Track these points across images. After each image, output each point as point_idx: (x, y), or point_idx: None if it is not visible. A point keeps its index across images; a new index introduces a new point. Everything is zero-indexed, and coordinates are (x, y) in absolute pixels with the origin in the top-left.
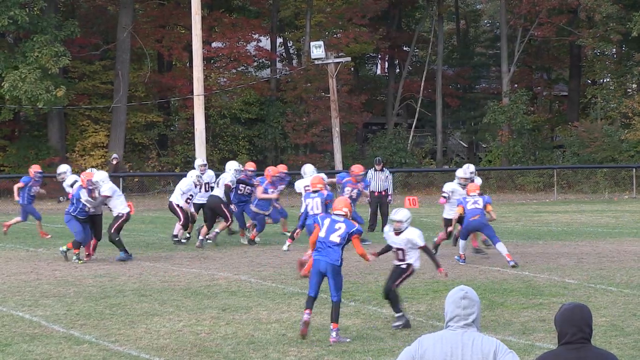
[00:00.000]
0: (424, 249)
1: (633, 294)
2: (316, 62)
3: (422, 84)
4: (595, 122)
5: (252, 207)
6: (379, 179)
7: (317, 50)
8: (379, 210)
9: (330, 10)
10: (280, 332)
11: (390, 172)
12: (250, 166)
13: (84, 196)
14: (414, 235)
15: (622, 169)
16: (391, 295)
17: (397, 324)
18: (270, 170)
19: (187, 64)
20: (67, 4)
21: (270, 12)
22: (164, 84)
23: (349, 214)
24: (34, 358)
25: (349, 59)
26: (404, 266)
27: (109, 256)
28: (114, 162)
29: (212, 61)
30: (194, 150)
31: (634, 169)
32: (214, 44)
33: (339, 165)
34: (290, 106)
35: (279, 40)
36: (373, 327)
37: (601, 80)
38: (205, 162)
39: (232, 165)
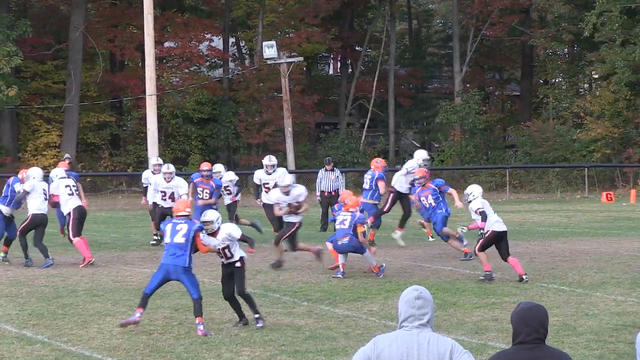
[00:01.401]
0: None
1: (585, 294)
2: (268, 62)
3: (375, 84)
4: (547, 121)
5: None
6: (330, 179)
7: (270, 50)
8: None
9: (283, 10)
10: (233, 332)
11: (341, 172)
12: (206, 166)
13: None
14: (231, 228)
15: (574, 169)
16: (246, 296)
17: (259, 324)
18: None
19: (140, 64)
20: (19, 3)
21: (222, 11)
22: (116, 83)
23: (191, 214)
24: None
25: (301, 58)
26: (238, 264)
27: (61, 256)
28: (67, 161)
29: (164, 61)
30: (147, 150)
31: (586, 169)
32: (166, 44)
33: (291, 165)
34: (243, 106)
35: (232, 40)
36: (326, 326)
37: (553, 80)
38: (160, 161)
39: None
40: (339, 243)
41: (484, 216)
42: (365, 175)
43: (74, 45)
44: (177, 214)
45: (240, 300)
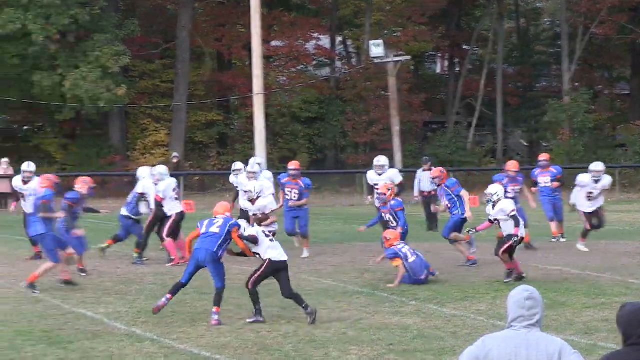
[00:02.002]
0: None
1: None
2: (375, 60)
3: (482, 83)
4: None
5: None
6: (427, 179)
7: (377, 49)
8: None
9: (390, 9)
10: (341, 331)
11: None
12: (293, 165)
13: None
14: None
15: None
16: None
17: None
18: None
19: (247, 63)
20: (128, 3)
21: (329, 10)
22: (223, 82)
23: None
24: (96, 355)
25: (408, 57)
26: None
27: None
28: (175, 160)
29: (271, 60)
30: (254, 149)
31: None
32: (273, 43)
33: (398, 165)
34: (350, 105)
35: (339, 38)
36: (433, 326)
37: None
38: (240, 166)
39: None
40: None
41: (517, 221)
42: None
43: (182, 45)
44: (215, 216)
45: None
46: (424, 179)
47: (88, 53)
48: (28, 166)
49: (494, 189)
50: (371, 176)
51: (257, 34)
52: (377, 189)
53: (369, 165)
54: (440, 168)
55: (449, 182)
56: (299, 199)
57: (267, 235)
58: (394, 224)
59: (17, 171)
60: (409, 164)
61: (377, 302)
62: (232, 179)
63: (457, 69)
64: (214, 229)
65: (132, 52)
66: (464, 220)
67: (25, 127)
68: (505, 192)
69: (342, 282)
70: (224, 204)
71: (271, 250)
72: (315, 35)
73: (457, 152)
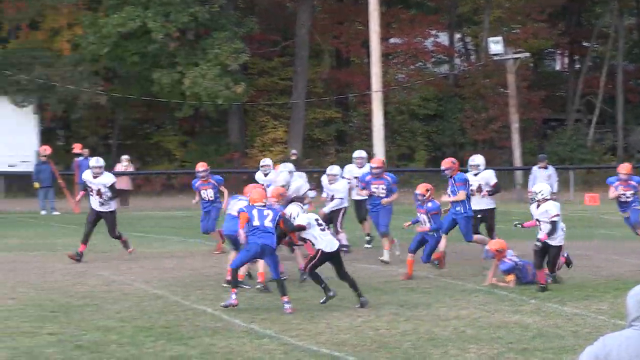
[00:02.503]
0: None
1: None
2: (494, 58)
3: (602, 80)
4: None
5: None
6: (542, 177)
7: (496, 46)
8: None
9: (509, 6)
10: (460, 329)
11: (555, 169)
12: (376, 163)
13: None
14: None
15: None
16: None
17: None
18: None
19: (365, 60)
20: (247, 0)
21: (448, 7)
22: (341, 80)
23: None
24: (215, 351)
25: (527, 54)
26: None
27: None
28: (293, 157)
29: (389, 57)
30: (372, 146)
31: None
32: (391, 40)
33: (517, 162)
34: (469, 102)
35: (457, 36)
36: (553, 324)
37: None
38: (267, 162)
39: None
40: None
41: (554, 228)
42: None
43: (300, 42)
44: (254, 204)
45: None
46: (540, 177)
47: (207, 51)
48: (97, 161)
49: (539, 188)
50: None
51: (376, 32)
52: (417, 191)
53: (488, 163)
54: (452, 159)
55: (457, 177)
56: (387, 196)
57: (319, 225)
58: (427, 225)
59: (138, 169)
60: (528, 162)
61: (496, 300)
62: (258, 176)
63: (577, 66)
64: (268, 223)
65: (251, 50)
66: (470, 217)
67: (145, 124)
68: (619, 195)
69: (461, 280)
70: (260, 191)
71: (322, 241)
72: (434, 32)
73: (577, 150)
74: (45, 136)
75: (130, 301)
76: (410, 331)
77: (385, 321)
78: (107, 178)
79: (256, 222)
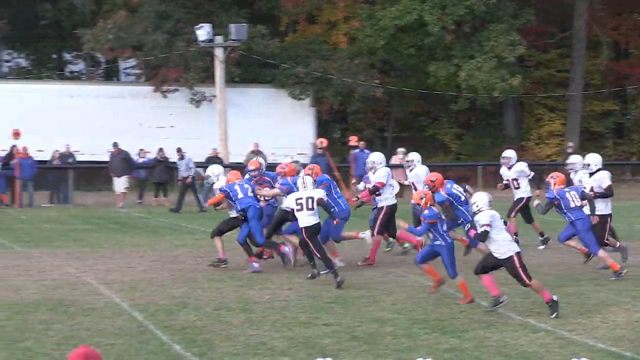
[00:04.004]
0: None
1: None
2: None
3: None
4: None
5: None
6: None
7: None
8: None
9: None
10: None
11: None
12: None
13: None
14: None
15: None
16: None
17: None
18: None
19: None
20: None
21: None
22: (620, 72)
23: None
24: (490, 344)
25: None
26: None
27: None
28: (570, 150)
29: None
30: None
31: None
32: None
33: None
34: None
35: None
36: None
37: None
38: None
39: None
40: None
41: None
42: None
43: (577, 34)
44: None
45: None
46: None
47: (483, 43)
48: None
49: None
50: (502, 171)
51: None
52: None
53: None
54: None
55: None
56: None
57: None
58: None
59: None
60: None
61: None
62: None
63: None
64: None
65: (527, 42)
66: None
67: (421, 117)
68: None
69: None
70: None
71: None
72: None
73: None
74: (322, 128)
75: (404, 293)
76: None
77: None
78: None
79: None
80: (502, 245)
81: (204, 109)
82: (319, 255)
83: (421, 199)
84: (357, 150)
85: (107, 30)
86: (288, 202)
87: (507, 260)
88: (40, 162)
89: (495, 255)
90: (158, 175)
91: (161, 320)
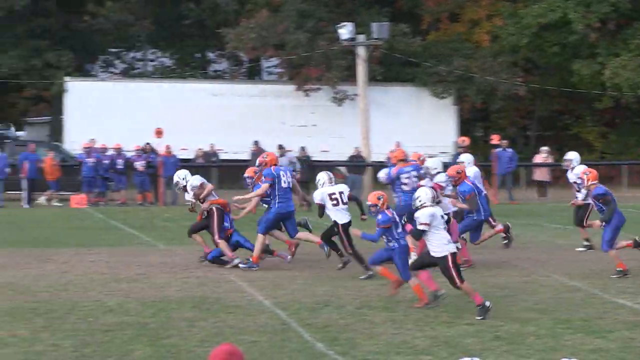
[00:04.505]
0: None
1: None
2: None
3: None
4: None
5: None
6: None
7: None
8: None
9: None
10: None
11: None
12: None
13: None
14: None
15: None
16: None
17: None
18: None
19: None
20: None
21: None
22: None
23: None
24: (635, 345)
25: None
26: None
27: None
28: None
29: None
30: None
31: None
32: None
33: None
34: None
35: None
36: None
37: None
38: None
39: None
40: None
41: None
42: None
43: None
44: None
45: None
46: None
47: (628, 41)
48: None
49: None
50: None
51: None
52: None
53: None
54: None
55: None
56: None
57: None
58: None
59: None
60: None
61: None
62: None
63: None
64: None
65: None
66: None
67: (564, 116)
68: None
69: None
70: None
71: None
72: None
73: None
74: (464, 127)
75: (547, 293)
76: None
77: None
78: None
79: None
80: (439, 244)
81: (346, 107)
82: (350, 251)
83: (379, 199)
84: (499, 149)
85: (250, 30)
86: (317, 198)
87: (441, 259)
88: (183, 160)
89: (432, 253)
90: (301, 174)
91: (304, 318)
